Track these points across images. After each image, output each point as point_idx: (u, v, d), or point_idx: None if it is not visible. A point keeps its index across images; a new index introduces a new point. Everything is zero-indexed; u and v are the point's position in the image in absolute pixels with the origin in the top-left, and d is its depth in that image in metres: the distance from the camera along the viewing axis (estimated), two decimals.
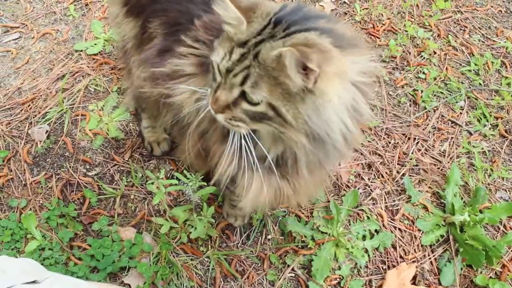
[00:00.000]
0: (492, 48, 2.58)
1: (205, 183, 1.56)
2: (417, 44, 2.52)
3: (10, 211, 1.89)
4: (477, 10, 2.74)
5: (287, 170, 1.28)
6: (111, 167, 2.01)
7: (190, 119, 1.34)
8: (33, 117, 2.13)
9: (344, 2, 2.66)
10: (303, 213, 1.93)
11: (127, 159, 2.02)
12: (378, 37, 2.53)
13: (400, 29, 2.57)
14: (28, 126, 2.10)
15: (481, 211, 1.97)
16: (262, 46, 1.02)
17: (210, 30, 1.33)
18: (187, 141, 1.42)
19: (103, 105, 2.16)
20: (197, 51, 1.32)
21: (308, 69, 0.95)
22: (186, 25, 1.39)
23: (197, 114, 1.28)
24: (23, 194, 1.94)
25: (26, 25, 2.47)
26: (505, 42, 2.60)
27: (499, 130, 2.27)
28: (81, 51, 2.35)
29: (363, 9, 2.63)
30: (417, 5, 2.69)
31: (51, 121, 2.11)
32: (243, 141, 1.15)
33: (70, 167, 2.00)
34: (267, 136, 1.18)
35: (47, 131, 2.09)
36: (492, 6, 2.77)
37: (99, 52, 2.35)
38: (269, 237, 1.88)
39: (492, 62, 2.50)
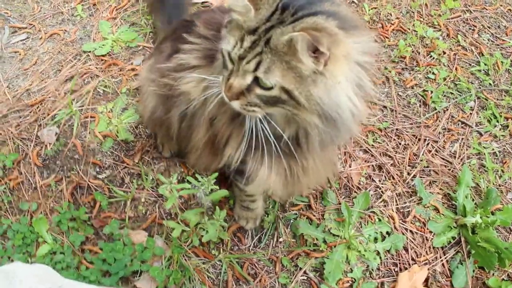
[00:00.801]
0: (501, 47, 2.56)
1: (217, 187, 1.55)
2: (426, 44, 2.51)
3: (21, 214, 1.89)
4: (486, 9, 2.72)
5: (299, 150, 1.31)
6: (121, 169, 2.00)
7: (198, 110, 1.41)
8: (42, 119, 2.12)
9: (353, 2, 2.64)
10: (314, 216, 1.93)
11: (137, 162, 2.02)
12: (387, 37, 2.51)
13: (409, 28, 2.55)
14: (38, 128, 2.09)
15: (492, 213, 1.96)
16: (273, 32, 1.05)
17: (210, 25, 1.41)
18: (196, 133, 1.44)
19: (112, 107, 2.15)
20: (200, 46, 1.38)
21: (318, 52, 0.99)
22: (189, 27, 1.47)
23: (204, 103, 1.34)
24: (33, 197, 1.94)
25: (34, 26, 2.46)
26: None
27: (509, 130, 2.26)
28: (89, 52, 2.34)
29: (371, 9, 2.61)
30: (426, 5, 2.67)
31: (61, 123, 2.11)
32: (259, 124, 1.19)
33: (80, 169, 1.99)
34: (281, 118, 1.21)
35: (56, 133, 2.08)
36: (501, 5, 2.76)
37: (108, 53, 2.33)
38: (280, 240, 1.88)
39: (501, 62, 2.48)
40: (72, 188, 1.94)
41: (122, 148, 2.06)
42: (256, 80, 1.09)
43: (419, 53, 2.46)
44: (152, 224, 1.88)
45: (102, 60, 2.32)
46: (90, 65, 2.30)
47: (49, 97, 2.19)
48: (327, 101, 1.08)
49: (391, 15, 2.61)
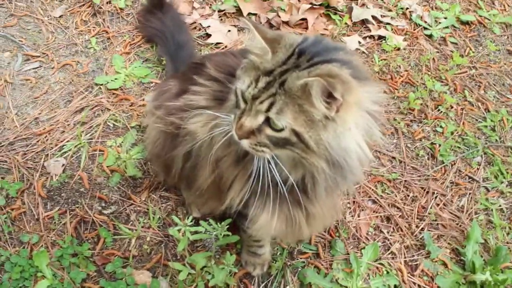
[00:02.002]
0: (507, 105, 2.61)
1: (229, 233, 1.52)
2: (434, 98, 2.55)
3: (21, 246, 1.83)
4: (491, 67, 2.79)
5: (305, 195, 1.30)
6: (128, 206, 1.96)
7: (204, 150, 1.39)
8: (50, 149, 2.09)
9: (363, 52, 2.69)
10: (322, 265, 1.89)
11: (144, 199, 1.98)
12: (396, 88, 2.55)
13: (417, 81, 2.60)
14: (44, 158, 2.06)
15: (502, 271, 1.94)
16: (288, 75, 1.07)
17: (221, 68, 1.44)
18: (201, 173, 1.42)
19: (122, 142, 2.13)
20: (210, 88, 1.40)
21: (332, 98, 1.01)
22: (199, 69, 1.51)
23: (210, 144, 1.32)
24: (35, 229, 1.88)
25: (47, 55, 2.46)
26: None
27: None
28: (101, 84, 2.34)
29: (381, 60, 2.66)
30: (434, 59, 2.73)
31: (68, 155, 2.08)
32: (266, 165, 1.18)
33: (85, 203, 1.95)
34: (288, 161, 1.21)
35: (63, 164, 2.05)
36: (505, 63, 2.83)
37: (120, 87, 2.33)
38: None
39: (507, 119, 2.52)
40: (76, 222, 1.89)
41: (129, 184, 2.03)
42: (268, 121, 1.10)
43: (427, 106, 2.49)
44: (157, 265, 1.83)
45: (114, 94, 2.31)
46: (101, 98, 2.29)
47: (58, 128, 2.17)
48: (336, 146, 1.09)
49: (400, 67, 2.66)
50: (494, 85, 2.71)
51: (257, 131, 1.13)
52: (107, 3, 2.68)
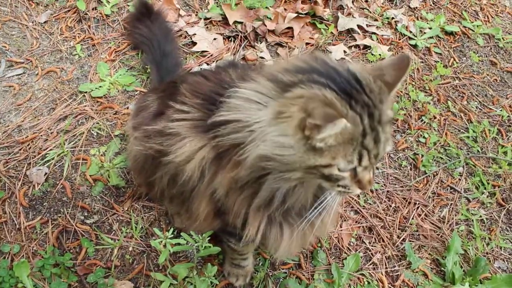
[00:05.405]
0: (489, 115, 2.65)
1: (210, 245, 1.53)
2: (418, 108, 2.58)
3: (1, 256, 1.82)
4: (474, 77, 2.82)
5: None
6: (110, 215, 1.96)
7: (193, 182, 1.33)
8: (32, 158, 2.08)
9: (348, 62, 2.71)
10: (304, 275, 1.90)
11: (126, 209, 1.98)
12: None
13: (401, 91, 2.62)
14: (27, 167, 2.05)
15: (481, 281, 1.97)
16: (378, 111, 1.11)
17: (197, 93, 1.38)
18: (195, 204, 1.40)
19: (105, 150, 2.13)
20: (188, 115, 1.33)
21: None
22: (175, 93, 1.45)
23: (202, 177, 1.29)
24: (16, 238, 1.87)
25: (31, 61, 2.44)
26: (501, 110, 2.67)
27: (496, 198, 2.30)
28: (86, 92, 2.33)
29: None
30: (418, 69, 2.76)
31: (51, 163, 2.06)
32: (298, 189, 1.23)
33: (67, 213, 1.94)
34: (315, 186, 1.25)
35: (46, 173, 2.03)
36: (488, 75, 2.86)
37: (104, 95, 2.32)
38: None
39: (489, 129, 2.56)
40: (58, 231, 1.89)
41: (112, 194, 2.02)
42: None
43: (411, 116, 2.52)
44: (139, 275, 1.82)
45: (98, 101, 2.31)
46: (85, 106, 2.28)
47: (41, 136, 2.15)
48: None
49: None
50: (477, 95, 2.74)
51: None
52: (92, 9, 2.67)
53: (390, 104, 1.15)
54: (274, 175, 1.15)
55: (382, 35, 2.90)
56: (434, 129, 2.50)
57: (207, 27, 2.72)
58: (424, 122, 2.52)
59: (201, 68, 2.41)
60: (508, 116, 2.65)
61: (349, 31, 2.87)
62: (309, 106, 1.01)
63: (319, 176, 1.12)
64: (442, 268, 2.03)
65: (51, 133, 2.17)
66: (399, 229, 2.11)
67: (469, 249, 2.08)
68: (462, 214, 2.21)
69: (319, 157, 1.07)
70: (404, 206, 2.19)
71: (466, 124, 2.58)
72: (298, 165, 1.09)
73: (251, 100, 1.13)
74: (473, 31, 3.07)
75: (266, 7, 2.83)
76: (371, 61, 2.72)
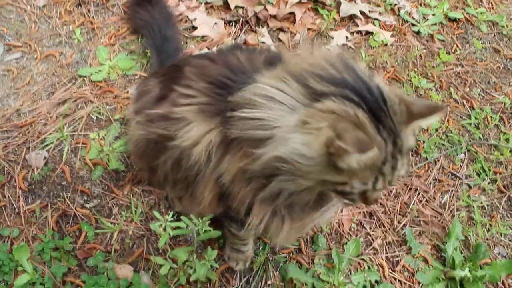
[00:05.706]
0: (491, 103, 2.63)
1: (211, 228, 1.52)
2: (420, 94, 2.56)
3: (1, 240, 1.81)
4: (477, 64, 2.80)
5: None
6: (110, 200, 1.95)
7: (199, 167, 1.31)
8: (31, 142, 2.06)
9: (350, 48, 2.69)
10: (304, 260, 1.90)
11: (126, 193, 1.97)
12: None
13: (403, 78, 2.60)
14: (26, 151, 2.03)
15: (481, 267, 1.97)
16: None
17: (202, 76, 1.33)
18: (200, 189, 1.38)
19: (105, 135, 2.11)
20: (194, 99, 1.30)
21: None
22: (179, 75, 1.40)
23: (208, 161, 1.27)
24: (15, 222, 1.86)
25: (30, 45, 2.42)
26: (503, 97, 2.65)
27: (497, 185, 2.29)
28: (85, 76, 2.31)
29: (368, 55, 2.66)
30: (420, 56, 2.74)
31: (50, 148, 2.05)
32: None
33: (67, 197, 1.93)
34: None
35: (45, 157, 2.02)
36: (491, 62, 2.84)
37: (104, 79, 2.30)
38: (269, 282, 1.84)
39: (491, 116, 2.54)
40: (57, 216, 1.88)
41: (112, 178, 2.01)
42: None
43: None
44: (139, 259, 1.82)
45: (97, 86, 2.29)
46: (85, 90, 2.26)
47: (40, 120, 2.14)
48: None
49: (386, 63, 2.66)
50: (480, 82, 2.72)
51: None
52: None
53: (411, 131, 1.11)
54: (286, 176, 1.13)
55: (385, 21, 2.87)
56: None
57: (208, 12, 2.69)
58: None
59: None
60: (511, 103, 2.62)
61: (351, 17, 2.85)
62: (340, 126, 0.99)
63: (330, 189, 1.12)
64: (443, 254, 2.02)
65: (50, 117, 2.15)
66: (399, 214, 2.11)
67: (469, 235, 2.08)
68: (463, 201, 2.20)
69: (337, 175, 1.05)
70: (405, 192, 2.18)
71: (468, 111, 2.56)
72: (313, 176, 1.08)
73: (275, 99, 1.09)
74: (476, 18, 3.03)
75: None
76: (374, 47, 2.70)
